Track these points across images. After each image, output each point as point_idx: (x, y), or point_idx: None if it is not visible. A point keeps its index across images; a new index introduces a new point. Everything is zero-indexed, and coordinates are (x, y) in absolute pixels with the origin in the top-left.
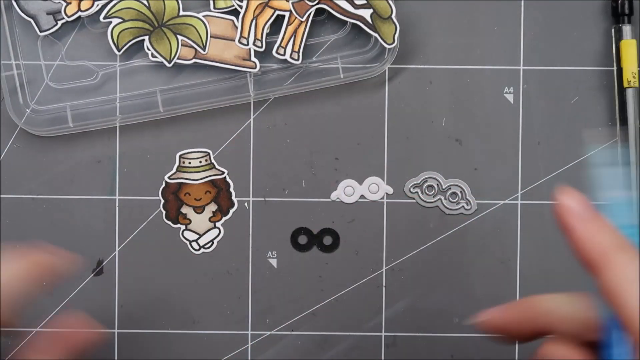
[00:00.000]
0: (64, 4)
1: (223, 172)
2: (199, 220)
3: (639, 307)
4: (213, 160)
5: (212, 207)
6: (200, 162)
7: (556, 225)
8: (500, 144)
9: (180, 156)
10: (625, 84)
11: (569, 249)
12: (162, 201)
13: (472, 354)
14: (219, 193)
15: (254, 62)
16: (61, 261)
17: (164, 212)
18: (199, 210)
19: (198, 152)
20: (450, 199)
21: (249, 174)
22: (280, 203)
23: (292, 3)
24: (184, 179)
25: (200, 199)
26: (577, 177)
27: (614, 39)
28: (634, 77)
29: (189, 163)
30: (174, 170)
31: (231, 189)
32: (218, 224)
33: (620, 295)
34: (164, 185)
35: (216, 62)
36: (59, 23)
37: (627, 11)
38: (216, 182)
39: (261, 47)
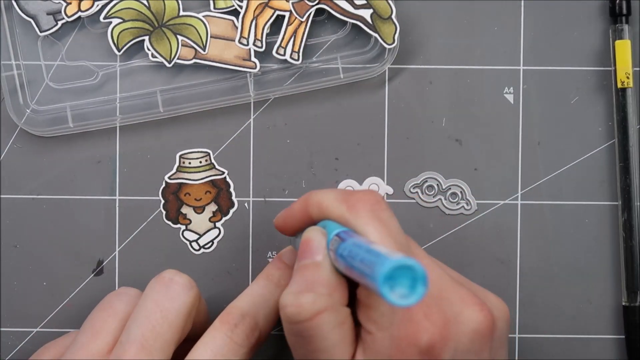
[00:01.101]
0: (64, 4)
1: (223, 172)
2: (199, 221)
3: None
4: (213, 161)
5: (212, 207)
6: (200, 162)
7: (556, 225)
8: (500, 144)
9: (180, 156)
10: (619, 85)
11: (568, 249)
12: (162, 201)
13: None
14: (219, 193)
15: (254, 62)
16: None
17: (164, 212)
18: (199, 210)
19: (198, 152)
20: (450, 199)
21: (249, 174)
22: (280, 203)
23: (292, 3)
24: (184, 179)
25: (200, 199)
26: (577, 177)
27: (611, 39)
28: (627, 78)
29: (189, 163)
30: (174, 170)
31: (231, 189)
32: (218, 224)
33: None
34: (164, 185)
35: (216, 62)
36: (59, 23)
37: (624, 11)
38: (216, 182)
39: (261, 47)
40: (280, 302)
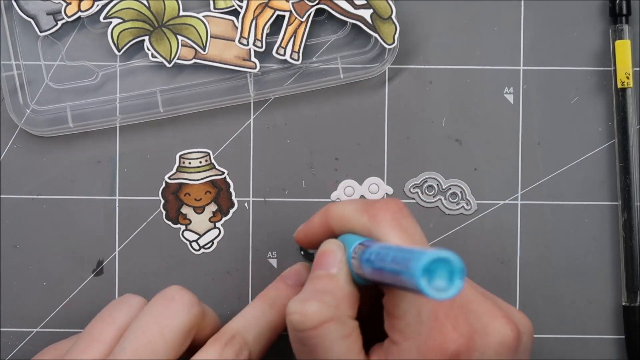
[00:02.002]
0: (64, 4)
1: (223, 172)
2: (199, 221)
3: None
4: (213, 161)
5: (212, 207)
6: (200, 162)
7: (556, 225)
8: (500, 144)
9: (180, 156)
10: (619, 85)
11: (568, 249)
12: (162, 201)
13: None
14: (219, 193)
15: (254, 62)
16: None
17: (164, 212)
18: (199, 210)
19: (198, 152)
20: (450, 199)
21: (249, 174)
22: (280, 203)
23: (292, 3)
24: (184, 179)
25: (200, 199)
26: (577, 177)
27: (611, 39)
28: (627, 78)
29: (189, 163)
30: (174, 170)
31: (231, 189)
32: (218, 224)
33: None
34: (164, 185)
35: (216, 62)
36: (59, 23)
37: (624, 11)
38: (216, 182)
39: (261, 47)
40: (287, 309)
